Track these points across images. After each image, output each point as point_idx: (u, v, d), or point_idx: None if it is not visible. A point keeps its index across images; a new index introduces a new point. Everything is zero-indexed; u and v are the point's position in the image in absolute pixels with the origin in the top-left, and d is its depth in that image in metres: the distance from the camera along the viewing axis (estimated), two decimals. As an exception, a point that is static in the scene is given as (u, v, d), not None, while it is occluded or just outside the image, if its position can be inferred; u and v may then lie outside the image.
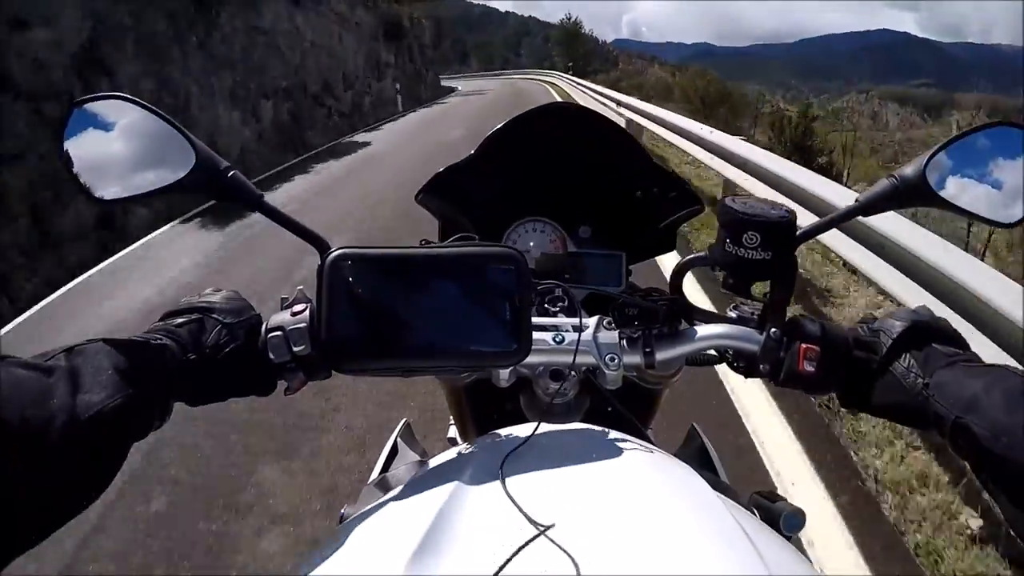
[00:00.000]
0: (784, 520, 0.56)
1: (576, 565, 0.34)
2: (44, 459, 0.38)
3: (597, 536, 0.37)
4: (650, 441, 0.59)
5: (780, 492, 0.62)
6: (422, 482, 0.47)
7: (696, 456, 0.85)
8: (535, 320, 0.58)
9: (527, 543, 0.36)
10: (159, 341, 0.49)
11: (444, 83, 30.19)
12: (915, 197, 0.54)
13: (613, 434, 0.53)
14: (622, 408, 0.60)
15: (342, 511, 0.66)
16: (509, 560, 0.34)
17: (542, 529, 0.37)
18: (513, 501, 0.40)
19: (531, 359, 0.53)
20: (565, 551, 0.35)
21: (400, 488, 0.50)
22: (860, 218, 0.58)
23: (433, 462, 0.56)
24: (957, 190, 0.55)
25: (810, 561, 0.42)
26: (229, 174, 0.53)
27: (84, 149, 0.51)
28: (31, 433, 0.37)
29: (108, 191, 0.52)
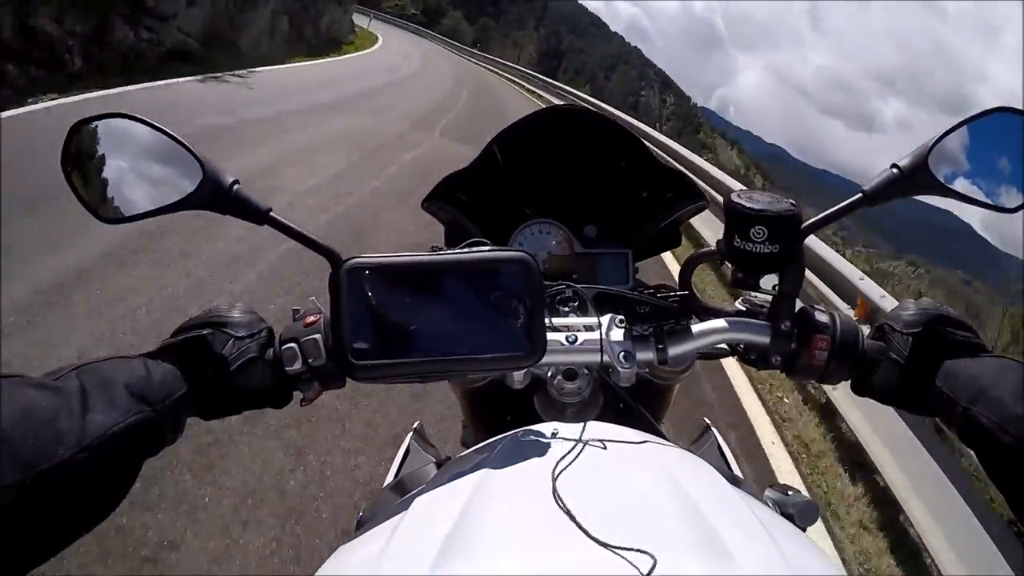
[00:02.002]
0: (798, 513, 0.56)
1: (634, 565, 0.34)
2: (53, 480, 0.37)
3: (639, 538, 0.36)
4: (665, 437, 0.59)
5: None
6: (447, 483, 0.46)
7: (710, 451, 0.85)
8: (547, 321, 0.57)
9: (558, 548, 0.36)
10: (171, 356, 0.49)
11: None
12: (918, 186, 0.54)
13: (633, 433, 0.53)
14: (637, 405, 0.60)
15: (358, 516, 0.65)
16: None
17: (603, 542, 0.36)
18: (564, 506, 0.39)
19: (545, 360, 0.52)
20: (622, 557, 0.34)
21: (422, 489, 0.49)
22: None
23: (453, 464, 0.55)
24: (959, 177, 0.56)
25: (826, 554, 0.43)
26: (235, 188, 0.52)
27: (88, 169, 0.51)
28: (40, 454, 0.37)
29: (114, 211, 0.51)
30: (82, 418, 0.40)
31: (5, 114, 5.43)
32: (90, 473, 0.39)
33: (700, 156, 7.07)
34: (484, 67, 25.58)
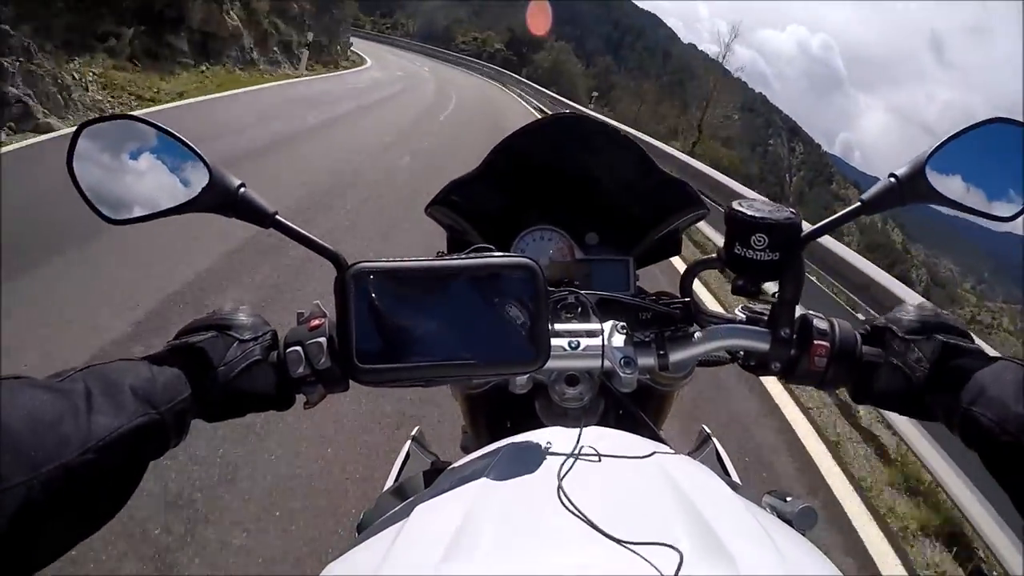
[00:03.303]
0: (797, 518, 0.58)
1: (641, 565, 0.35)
2: (59, 481, 0.37)
3: (646, 539, 0.37)
4: (664, 443, 0.60)
5: None
6: (449, 488, 0.47)
7: (709, 458, 0.88)
8: (550, 327, 0.58)
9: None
10: (175, 359, 0.50)
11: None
12: (915, 194, 0.56)
13: (634, 438, 0.54)
14: (638, 411, 0.61)
15: (359, 520, 0.67)
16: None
17: (618, 540, 0.37)
18: (574, 507, 0.40)
19: (548, 365, 0.53)
20: (642, 556, 0.35)
21: (423, 494, 0.50)
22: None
23: (456, 469, 0.56)
24: (956, 187, 0.56)
25: (827, 557, 0.45)
26: (241, 191, 0.53)
27: (95, 171, 0.52)
28: (46, 456, 0.37)
29: (121, 213, 0.53)
30: (88, 420, 0.40)
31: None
32: (95, 475, 0.40)
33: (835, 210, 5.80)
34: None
